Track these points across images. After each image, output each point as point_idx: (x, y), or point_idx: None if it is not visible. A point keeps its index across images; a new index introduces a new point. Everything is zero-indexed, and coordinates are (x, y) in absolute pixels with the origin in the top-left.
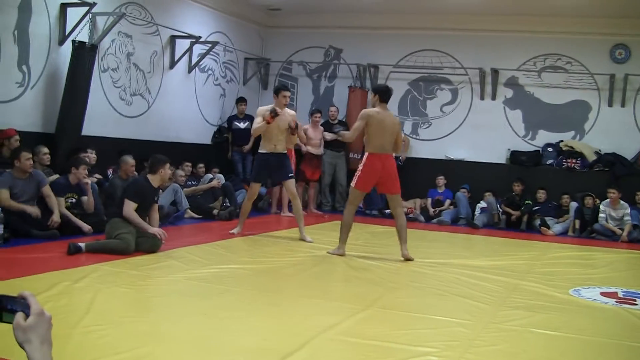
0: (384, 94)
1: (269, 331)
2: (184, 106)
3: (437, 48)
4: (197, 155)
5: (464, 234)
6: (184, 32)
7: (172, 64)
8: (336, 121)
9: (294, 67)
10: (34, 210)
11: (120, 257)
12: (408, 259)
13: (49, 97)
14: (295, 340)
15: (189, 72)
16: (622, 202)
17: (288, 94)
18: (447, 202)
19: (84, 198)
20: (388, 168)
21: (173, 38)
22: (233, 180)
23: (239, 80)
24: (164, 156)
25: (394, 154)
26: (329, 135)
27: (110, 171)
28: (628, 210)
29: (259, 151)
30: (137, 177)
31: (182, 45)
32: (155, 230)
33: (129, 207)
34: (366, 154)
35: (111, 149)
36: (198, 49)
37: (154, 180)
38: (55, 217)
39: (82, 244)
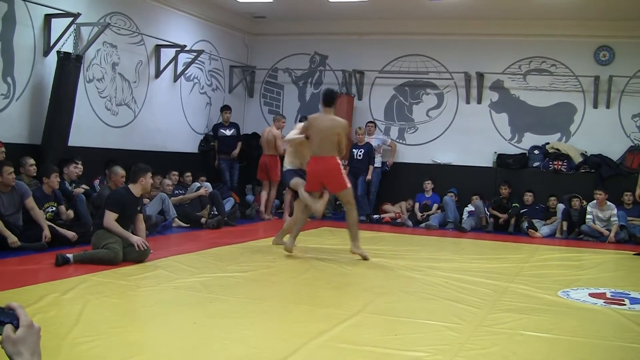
0: (325, 98)
1: (258, 339)
2: (170, 115)
3: (422, 53)
4: (184, 164)
5: (452, 238)
6: (169, 41)
7: (158, 73)
8: None
9: (279, 74)
10: (13, 241)
11: (109, 267)
12: (363, 258)
13: (35, 108)
14: (285, 348)
15: (175, 81)
16: (608, 203)
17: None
18: (435, 206)
19: (62, 207)
20: (329, 169)
21: (158, 47)
22: (220, 188)
23: (225, 88)
24: (146, 165)
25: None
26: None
27: (96, 182)
28: (615, 211)
29: (288, 168)
30: (118, 188)
31: (167, 54)
32: (135, 239)
33: (109, 218)
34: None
35: (98, 160)
36: (183, 58)
37: (135, 189)
38: (46, 232)
39: (70, 255)
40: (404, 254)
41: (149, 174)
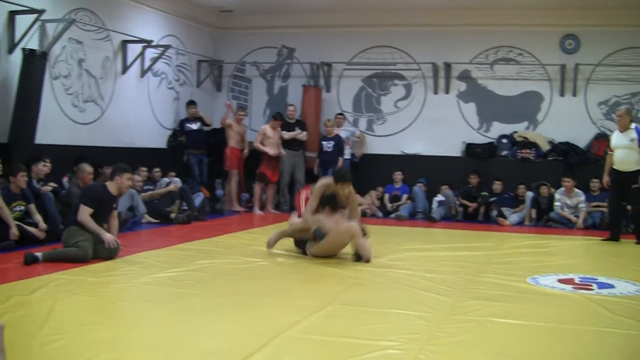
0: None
1: (230, 333)
2: (138, 111)
3: (389, 44)
4: (153, 159)
5: (423, 228)
6: (135, 37)
7: (125, 69)
8: (294, 120)
9: (247, 67)
10: None
11: (79, 265)
12: None
13: (0, 106)
14: (256, 341)
15: (142, 76)
16: (576, 190)
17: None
18: (405, 196)
19: (32, 207)
20: None
21: (124, 43)
22: (190, 183)
23: (193, 82)
24: (125, 165)
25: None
26: (287, 135)
27: (65, 179)
28: (582, 198)
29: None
30: (94, 183)
31: (134, 49)
32: (107, 237)
33: (84, 212)
34: None
35: (66, 157)
36: (150, 53)
37: (112, 187)
38: (14, 230)
39: (39, 254)
40: (374, 245)
41: (126, 175)
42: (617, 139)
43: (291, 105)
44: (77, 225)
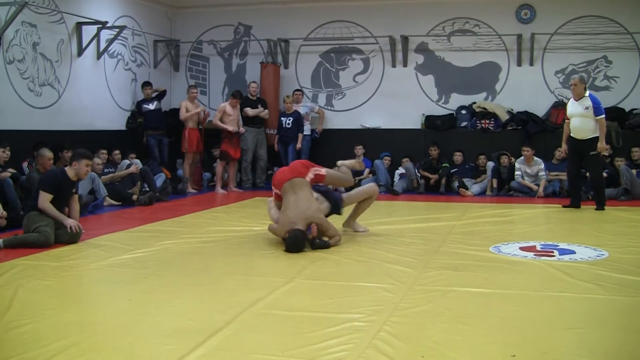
0: None
1: (194, 311)
2: (96, 93)
3: (346, 19)
4: (112, 141)
5: (385, 201)
6: (90, 18)
7: (80, 51)
8: (256, 97)
9: (204, 46)
10: None
11: (40, 250)
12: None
13: None
14: (221, 318)
15: (98, 58)
16: (536, 158)
17: None
18: (366, 171)
19: None
20: None
21: (79, 25)
22: (150, 164)
23: (150, 63)
24: (84, 151)
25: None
26: (251, 112)
27: (25, 165)
28: (542, 166)
29: None
30: (53, 169)
31: (89, 31)
32: (69, 222)
33: (44, 199)
34: None
35: (24, 142)
36: (106, 35)
37: (70, 172)
38: None
39: None
40: (337, 219)
41: (84, 161)
42: (572, 107)
43: (253, 82)
44: (37, 210)
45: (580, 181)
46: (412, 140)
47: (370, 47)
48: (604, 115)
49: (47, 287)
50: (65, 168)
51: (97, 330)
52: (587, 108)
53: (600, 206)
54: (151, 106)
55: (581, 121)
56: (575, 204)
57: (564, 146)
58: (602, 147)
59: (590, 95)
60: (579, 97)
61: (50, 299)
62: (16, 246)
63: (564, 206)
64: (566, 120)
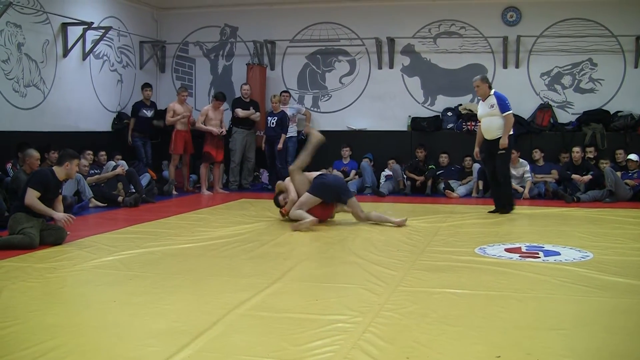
0: None
1: (179, 313)
2: (81, 94)
3: (332, 20)
4: (98, 143)
5: (371, 203)
6: (75, 19)
7: (66, 52)
8: (249, 99)
9: (190, 47)
10: None
11: (25, 251)
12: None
13: None
14: (206, 319)
15: (84, 59)
16: (521, 160)
17: None
18: (353, 172)
19: None
20: None
21: (64, 25)
22: (137, 166)
23: (136, 64)
24: (74, 152)
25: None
26: (242, 112)
27: (9, 166)
28: (527, 168)
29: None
30: (43, 168)
31: (74, 32)
32: (59, 215)
33: (31, 195)
34: None
35: (8, 143)
36: (91, 35)
37: (60, 172)
38: None
39: None
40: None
41: (75, 161)
42: (480, 108)
43: (246, 84)
44: (23, 211)
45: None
46: (398, 141)
47: (357, 48)
48: (510, 112)
49: (31, 289)
50: (54, 168)
51: (81, 332)
52: (492, 106)
53: (504, 208)
54: (148, 114)
55: (489, 120)
56: (499, 207)
57: (476, 149)
58: (503, 143)
59: (495, 93)
60: (484, 97)
61: (34, 300)
62: (0, 248)
63: (490, 212)
64: (478, 124)
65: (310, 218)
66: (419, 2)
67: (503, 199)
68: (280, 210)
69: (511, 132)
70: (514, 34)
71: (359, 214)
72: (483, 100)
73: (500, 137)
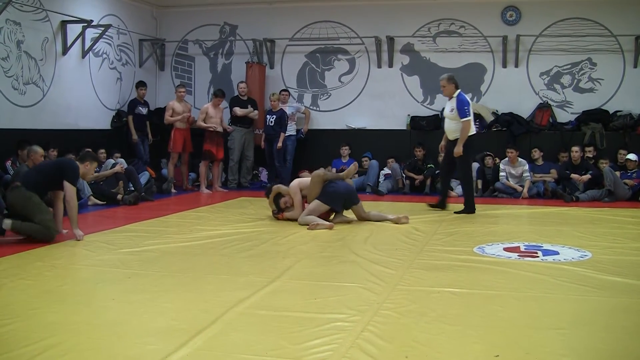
0: None
1: (178, 311)
2: (80, 92)
3: (332, 19)
4: (97, 141)
5: (370, 201)
6: (74, 17)
7: (65, 50)
8: (246, 97)
9: (189, 46)
10: None
11: (25, 249)
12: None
13: None
14: (205, 317)
15: (83, 57)
16: (520, 159)
17: None
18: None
19: None
20: None
21: (64, 23)
22: (136, 164)
23: (135, 62)
24: (97, 155)
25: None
26: (240, 111)
27: (8, 163)
28: (526, 167)
29: None
30: (70, 160)
31: (73, 30)
32: (79, 233)
33: (73, 193)
34: None
35: (8, 141)
36: (91, 33)
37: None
38: None
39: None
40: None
41: (95, 164)
42: (446, 107)
43: (241, 82)
44: (39, 193)
45: (449, 181)
46: (397, 140)
47: (356, 47)
48: (468, 118)
49: (30, 287)
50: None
51: (80, 330)
52: (452, 110)
53: (465, 209)
54: (144, 111)
55: (449, 122)
56: (441, 205)
57: (442, 142)
58: (457, 151)
59: (458, 96)
60: (450, 98)
61: (33, 298)
62: (20, 232)
63: (430, 204)
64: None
65: (326, 223)
66: (418, 1)
67: (465, 201)
68: (276, 214)
69: (473, 132)
70: (513, 33)
71: (361, 214)
72: (449, 100)
73: (456, 139)
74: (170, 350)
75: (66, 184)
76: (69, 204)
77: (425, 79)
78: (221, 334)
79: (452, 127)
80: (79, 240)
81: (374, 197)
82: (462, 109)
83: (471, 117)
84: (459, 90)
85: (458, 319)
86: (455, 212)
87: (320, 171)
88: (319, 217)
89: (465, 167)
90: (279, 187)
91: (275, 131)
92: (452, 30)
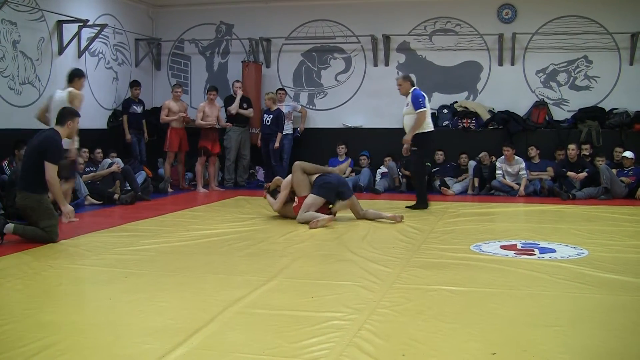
0: None
1: (175, 310)
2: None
3: (328, 18)
4: (94, 140)
5: (366, 200)
6: (70, 17)
7: (61, 49)
8: (241, 96)
9: (185, 45)
10: None
11: (22, 249)
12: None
13: None
14: (202, 317)
15: (79, 57)
16: (516, 157)
17: None
18: (348, 170)
19: None
20: None
21: (60, 23)
22: (132, 163)
23: (131, 62)
24: (74, 109)
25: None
26: (234, 109)
27: (5, 164)
28: (523, 165)
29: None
30: (49, 134)
31: (69, 29)
32: (67, 209)
33: (53, 171)
34: None
35: (4, 141)
36: (87, 33)
37: (63, 132)
38: None
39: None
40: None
41: (77, 119)
42: (405, 106)
43: (238, 81)
44: (40, 191)
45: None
46: (393, 139)
47: (352, 46)
48: (422, 109)
49: (27, 287)
50: (55, 128)
51: (77, 330)
52: (407, 105)
53: (417, 204)
54: (138, 109)
55: (407, 119)
56: (421, 205)
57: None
58: (406, 139)
59: (413, 91)
60: (406, 95)
61: (29, 298)
62: (21, 236)
63: (407, 207)
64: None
65: (326, 216)
66: (414, 0)
67: (417, 195)
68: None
69: (431, 129)
70: (509, 31)
71: (358, 212)
72: (406, 98)
73: (418, 134)
74: (168, 350)
75: (46, 164)
76: (49, 183)
77: (421, 77)
78: (218, 333)
79: (409, 123)
80: (70, 220)
81: (371, 195)
82: (416, 102)
83: (427, 110)
84: (414, 87)
85: (455, 317)
86: (407, 207)
87: (299, 162)
88: (316, 211)
89: (419, 161)
90: (278, 179)
91: (272, 130)
92: (448, 29)
